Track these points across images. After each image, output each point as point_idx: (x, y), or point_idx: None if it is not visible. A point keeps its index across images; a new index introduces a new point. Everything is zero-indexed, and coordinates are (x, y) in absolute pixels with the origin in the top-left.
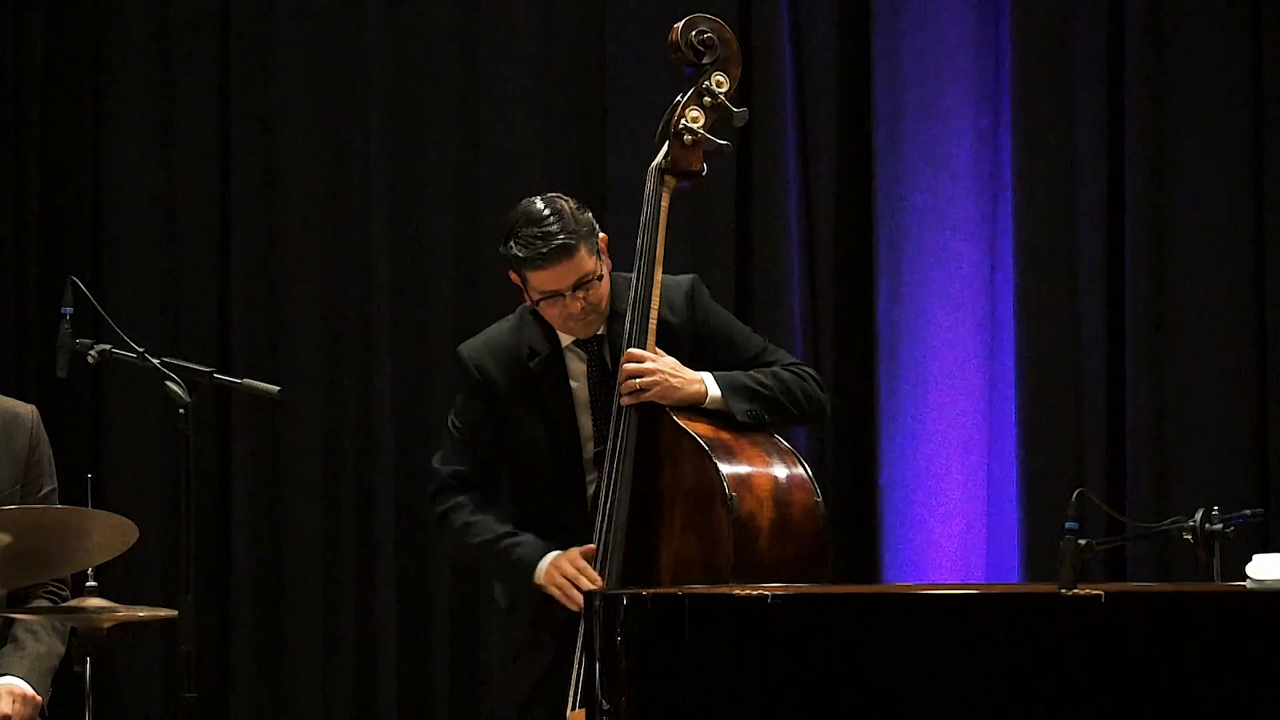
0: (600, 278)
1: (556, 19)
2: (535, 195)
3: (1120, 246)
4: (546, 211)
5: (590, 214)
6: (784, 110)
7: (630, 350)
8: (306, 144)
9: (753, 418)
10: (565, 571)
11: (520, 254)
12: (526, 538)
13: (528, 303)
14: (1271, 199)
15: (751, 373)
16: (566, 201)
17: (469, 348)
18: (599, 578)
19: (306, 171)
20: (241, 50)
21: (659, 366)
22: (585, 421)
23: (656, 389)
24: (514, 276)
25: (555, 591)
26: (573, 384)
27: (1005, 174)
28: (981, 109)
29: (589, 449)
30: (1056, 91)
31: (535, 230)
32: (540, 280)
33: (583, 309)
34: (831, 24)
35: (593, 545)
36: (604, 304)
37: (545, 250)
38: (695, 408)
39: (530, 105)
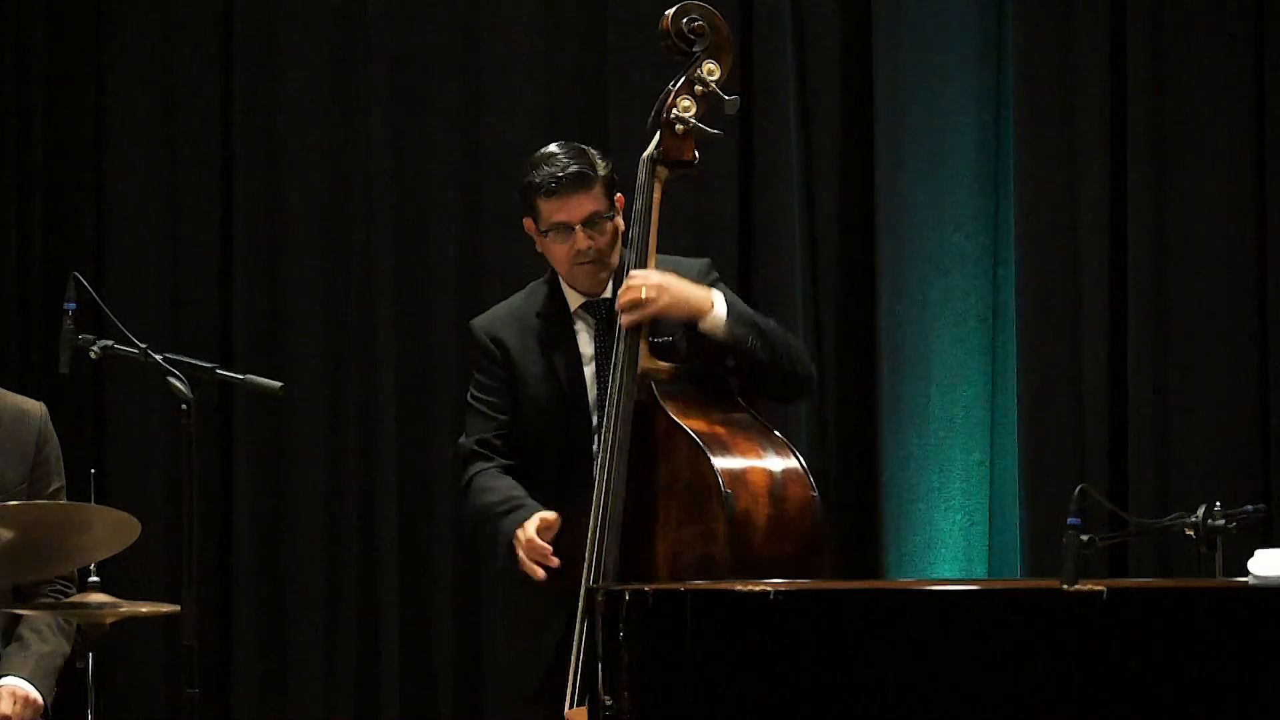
0: (610, 218)
1: (558, 15)
2: None
3: (1122, 242)
4: (566, 150)
5: (611, 168)
6: (786, 105)
7: (634, 272)
8: (309, 140)
9: (742, 342)
10: (520, 542)
11: (535, 180)
12: (520, 509)
13: (538, 247)
14: (1273, 194)
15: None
16: (590, 150)
17: (479, 320)
18: (547, 547)
19: (308, 168)
20: (244, 45)
21: (663, 281)
22: (592, 387)
23: (667, 296)
24: (528, 224)
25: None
26: (581, 348)
27: (1007, 169)
28: (983, 104)
29: (595, 419)
30: (1058, 87)
31: (553, 162)
32: (550, 210)
33: (589, 248)
34: (834, 20)
35: (553, 514)
36: (611, 255)
37: (561, 176)
38: (688, 399)
39: (532, 100)
